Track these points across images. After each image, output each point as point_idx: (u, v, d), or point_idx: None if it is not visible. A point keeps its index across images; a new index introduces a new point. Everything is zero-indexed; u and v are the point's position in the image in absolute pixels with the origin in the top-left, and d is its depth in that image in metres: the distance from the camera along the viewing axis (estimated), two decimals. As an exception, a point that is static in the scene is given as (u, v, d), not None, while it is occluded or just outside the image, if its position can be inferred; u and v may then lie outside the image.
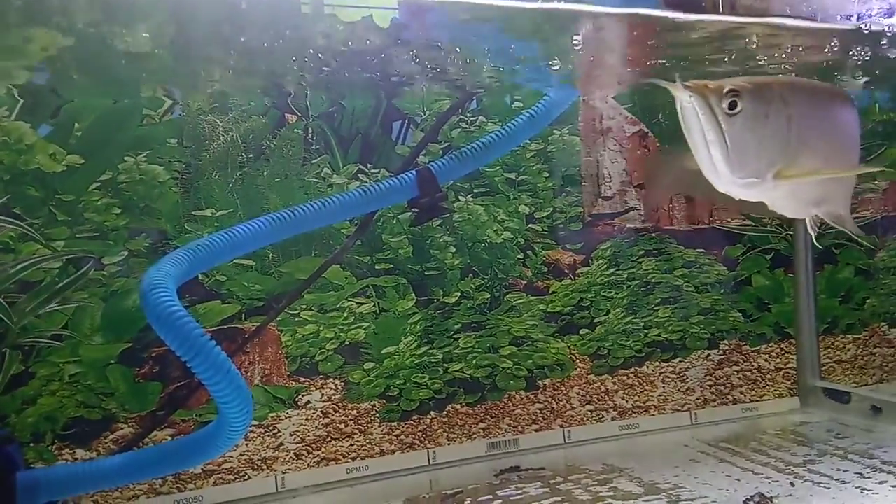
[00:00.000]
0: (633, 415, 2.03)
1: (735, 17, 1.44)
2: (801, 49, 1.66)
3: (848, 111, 1.39)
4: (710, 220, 2.15)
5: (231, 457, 1.67)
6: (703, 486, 1.54)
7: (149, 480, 1.59)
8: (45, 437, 1.54)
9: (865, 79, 1.86)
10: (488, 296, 1.91)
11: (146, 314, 1.11)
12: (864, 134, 2.20)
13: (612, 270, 2.03)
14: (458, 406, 1.87)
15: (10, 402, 1.52)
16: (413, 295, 1.84)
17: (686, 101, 1.17)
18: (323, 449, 1.75)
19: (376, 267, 1.82)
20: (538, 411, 1.94)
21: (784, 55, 1.65)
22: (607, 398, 2.01)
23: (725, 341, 2.14)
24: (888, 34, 1.55)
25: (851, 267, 2.29)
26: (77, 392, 1.57)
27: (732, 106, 1.16)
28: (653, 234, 2.07)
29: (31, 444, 1.53)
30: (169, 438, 1.62)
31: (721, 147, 1.17)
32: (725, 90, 1.17)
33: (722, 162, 1.19)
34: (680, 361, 2.09)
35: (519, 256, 1.94)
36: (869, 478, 1.52)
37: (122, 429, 1.60)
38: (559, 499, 1.53)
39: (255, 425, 1.69)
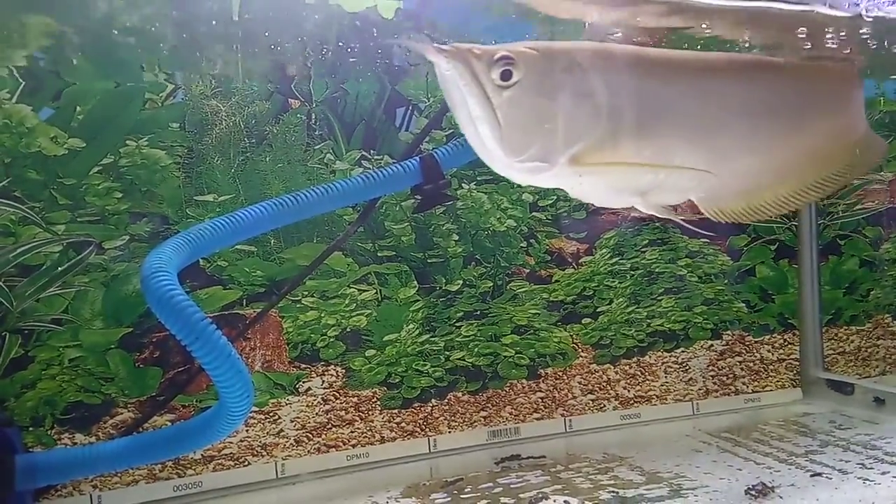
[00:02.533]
0: (635, 404, 2.02)
1: (738, 3, 1.36)
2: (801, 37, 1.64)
3: (720, 87, 1.19)
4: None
5: (231, 442, 1.67)
6: (704, 476, 1.54)
7: (148, 465, 1.59)
8: (44, 421, 1.54)
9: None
10: (491, 284, 1.90)
11: (147, 299, 1.10)
12: (871, 125, 2.22)
13: (615, 259, 2.02)
14: (460, 394, 1.87)
15: (10, 385, 1.51)
16: (415, 282, 1.84)
17: (445, 69, 1.00)
18: (323, 436, 1.74)
19: (378, 254, 1.81)
20: (539, 400, 1.93)
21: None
22: (609, 387, 2.00)
23: (728, 331, 2.13)
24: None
25: (856, 258, 2.28)
26: (77, 376, 1.56)
27: (506, 76, 1.00)
28: (657, 224, 2.06)
29: (31, 429, 1.53)
30: (169, 423, 1.62)
31: (491, 124, 1.01)
32: (496, 56, 1.01)
33: (493, 142, 1.02)
34: (683, 351, 2.08)
35: (522, 245, 1.93)
36: (871, 468, 1.52)
37: (121, 413, 1.59)
38: (560, 487, 1.52)
39: (255, 411, 1.69)
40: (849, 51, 1.42)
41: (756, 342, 2.16)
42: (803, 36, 1.43)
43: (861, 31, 1.51)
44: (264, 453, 1.69)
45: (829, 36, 1.44)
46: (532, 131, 1.02)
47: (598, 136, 1.05)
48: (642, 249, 2.05)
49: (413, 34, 0.99)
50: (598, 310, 2.00)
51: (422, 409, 1.83)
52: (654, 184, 1.14)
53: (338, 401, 1.76)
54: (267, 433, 1.70)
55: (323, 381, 1.75)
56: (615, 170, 1.09)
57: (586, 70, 1.05)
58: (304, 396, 1.74)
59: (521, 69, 1.00)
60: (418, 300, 1.84)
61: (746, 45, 1.43)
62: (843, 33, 1.47)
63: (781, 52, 1.45)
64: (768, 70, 1.28)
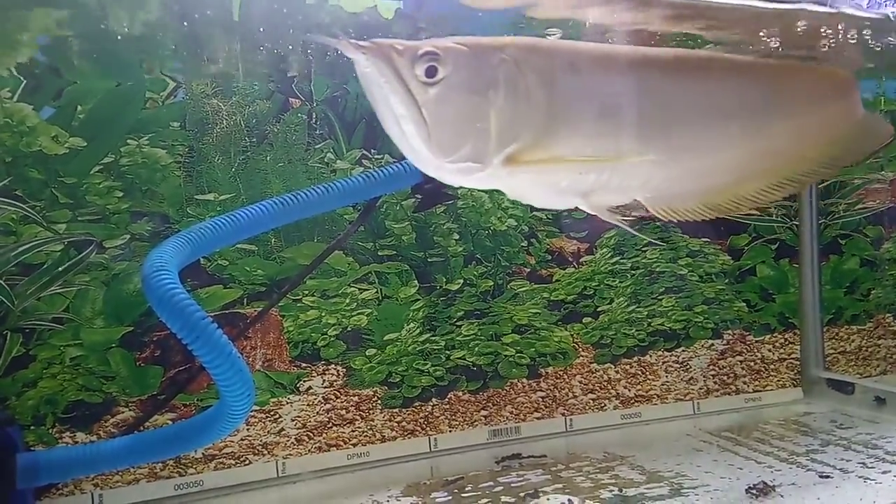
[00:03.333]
0: (636, 404, 2.02)
1: (747, 2, 1.34)
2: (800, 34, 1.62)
3: (669, 84, 1.15)
4: (715, 210, 2.13)
5: (232, 441, 1.67)
6: (705, 475, 1.54)
7: (149, 464, 1.59)
8: (45, 420, 1.54)
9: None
10: (491, 283, 1.90)
11: (148, 297, 1.10)
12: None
13: (616, 259, 2.03)
14: (460, 393, 1.87)
15: (11, 384, 1.51)
16: (416, 281, 1.84)
17: (364, 66, 0.95)
18: (324, 435, 1.74)
19: (379, 253, 1.81)
20: (540, 399, 1.93)
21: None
22: (610, 387, 2.00)
23: (729, 331, 2.13)
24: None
25: (857, 258, 2.28)
26: (78, 375, 1.56)
27: (431, 72, 0.96)
28: (657, 223, 2.06)
29: (32, 427, 1.53)
30: (170, 422, 1.62)
31: (417, 123, 0.96)
32: (420, 52, 0.96)
33: (420, 142, 0.98)
34: (683, 351, 2.08)
35: (523, 244, 1.93)
36: (872, 468, 1.52)
37: (122, 412, 1.59)
38: (560, 486, 1.52)
39: (256, 410, 1.69)
40: (826, 48, 1.39)
41: (757, 341, 2.16)
42: (766, 33, 1.41)
43: (844, 28, 1.49)
44: (265, 452, 1.69)
45: (800, 31, 1.41)
46: (462, 130, 0.98)
47: (535, 135, 1.01)
48: (643, 249, 2.05)
49: (332, 31, 0.97)
50: (599, 309, 2.00)
51: (422, 408, 1.83)
52: (599, 184, 1.11)
53: (338, 400, 1.76)
54: (268, 432, 1.70)
55: (324, 381, 1.76)
56: (554, 169, 1.05)
57: (521, 66, 1.00)
58: (305, 395, 1.74)
59: (447, 65, 0.96)
60: (419, 299, 1.84)
61: (707, 42, 1.41)
62: (828, 30, 1.45)
63: (742, 49, 1.42)
64: (725, 68, 1.23)
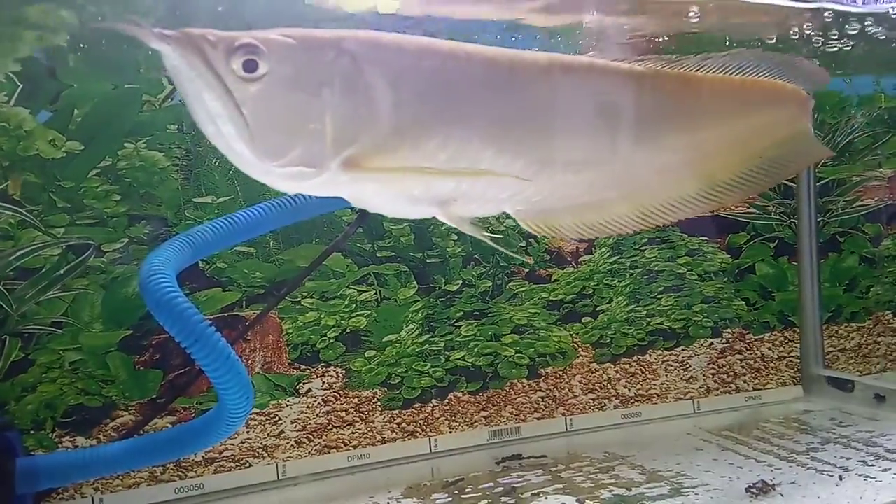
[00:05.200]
0: (636, 403, 2.02)
1: None
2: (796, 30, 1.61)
3: (539, 91, 1.05)
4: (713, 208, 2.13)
5: (232, 444, 1.66)
6: (705, 474, 1.54)
7: (149, 468, 1.59)
8: (45, 424, 1.54)
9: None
10: (490, 284, 1.90)
11: (145, 301, 1.10)
12: (870, 121, 2.22)
13: (614, 258, 2.02)
14: (460, 394, 1.87)
15: (10, 389, 1.51)
16: (415, 283, 1.84)
17: (175, 59, 0.86)
18: (324, 437, 1.74)
19: (378, 254, 1.81)
20: (540, 399, 1.93)
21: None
22: (609, 386, 2.00)
23: (729, 330, 2.13)
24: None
25: (856, 255, 2.28)
26: (77, 379, 1.56)
27: (250, 67, 0.87)
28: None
29: (31, 432, 1.52)
30: (169, 426, 1.61)
31: (237, 123, 0.88)
32: (237, 44, 0.88)
33: (241, 143, 0.89)
34: (683, 350, 2.08)
35: (521, 244, 1.93)
36: (872, 465, 1.52)
37: (122, 416, 1.59)
38: (561, 486, 1.52)
39: (256, 413, 1.69)
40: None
41: (756, 340, 2.16)
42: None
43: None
44: (265, 455, 1.69)
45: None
46: (291, 131, 0.90)
47: (378, 138, 0.93)
48: (641, 248, 2.05)
49: (132, 18, 0.85)
50: (598, 309, 2.00)
51: (422, 409, 1.83)
52: (457, 192, 1.02)
53: (338, 402, 1.76)
54: (268, 435, 1.70)
55: (323, 383, 1.75)
56: (402, 176, 0.97)
57: (360, 62, 0.92)
58: (305, 398, 1.74)
59: (269, 59, 0.88)
60: (418, 300, 1.84)
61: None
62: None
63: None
64: (609, 76, 1.12)
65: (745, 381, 2.13)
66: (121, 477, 1.58)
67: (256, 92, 0.87)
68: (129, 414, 1.60)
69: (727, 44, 1.81)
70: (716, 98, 1.17)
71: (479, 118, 1.01)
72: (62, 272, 1.55)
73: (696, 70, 1.17)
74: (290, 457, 1.71)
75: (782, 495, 1.40)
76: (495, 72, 1.03)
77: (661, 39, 1.73)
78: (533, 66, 1.06)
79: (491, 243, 1.13)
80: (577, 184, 1.09)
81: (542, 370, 1.94)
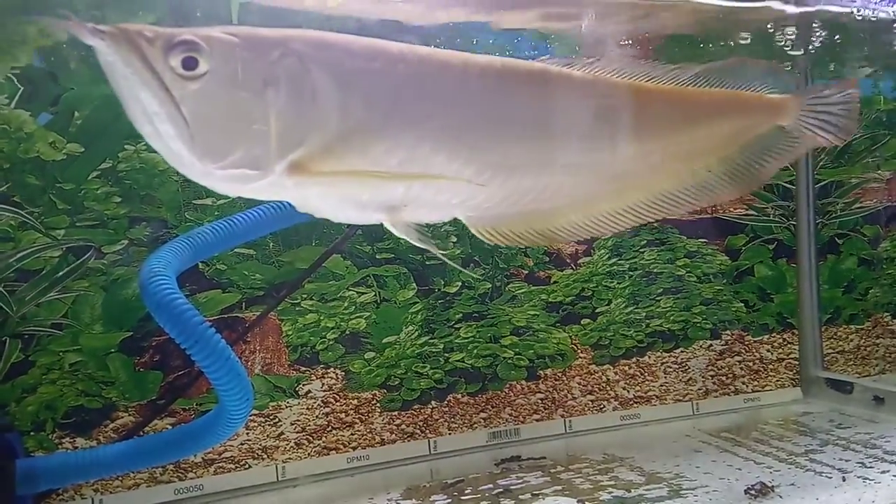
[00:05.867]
0: (635, 405, 2.02)
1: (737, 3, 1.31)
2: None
3: (491, 96, 1.03)
4: (712, 210, 2.14)
5: (231, 446, 1.67)
6: (704, 476, 1.54)
7: (149, 469, 1.59)
8: (45, 425, 1.54)
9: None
10: (489, 285, 1.91)
11: (145, 302, 1.10)
12: (868, 124, 2.23)
13: (614, 260, 2.03)
14: (459, 396, 1.87)
15: (10, 390, 1.52)
16: (414, 284, 1.84)
17: (109, 55, 0.83)
18: (323, 438, 1.74)
19: (377, 256, 1.81)
20: (539, 401, 1.93)
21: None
22: (608, 388, 2.00)
23: (728, 331, 2.13)
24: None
25: (854, 257, 2.28)
26: (77, 381, 1.56)
27: (189, 64, 0.84)
28: (655, 224, 2.07)
29: (32, 433, 1.53)
30: (169, 427, 1.62)
31: (176, 122, 0.85)
32: (176, 41, 0.84)
33: (180, 144, 0.86)
34: (682, 352, 2.08)
35: (520, 246, 1.93)
36: (871, 467, 1.52)
37: (122, 417, 1.59)
38: (560, 488, 1.52)
39: (255, 414, 1.69)
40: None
41: (755, 342, 2.16)
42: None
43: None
44: (265, 456, 1.70)
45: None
46: (233, 132, 0.87)
47: (325, 141, 0.90)
48: (640, 250, 2.05)
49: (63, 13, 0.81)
50: (597, 310, 2.01)
51: (422, 410, 1.83)
52: (407, 198, 1.00)
53: (338, 403, 1.76)
54: (267, 436, 1.70)
55: (323, 384, 1.76)
56: (350, 181, 0.94)
57: (307, 63, 0.89)
58: (304, 399, 1.74)
59: (210, 57, 0.85)
60: (417, 302, 1.84)
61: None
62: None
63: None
64: (560, 82, 1.10)
65: (744, 383, 2.13)
66: (120, 478, 1.58)
67: (196, 90, 0.84)
68: (129, 415, 1.60)
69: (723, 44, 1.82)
70: (667, 108, 1.16)
71: (431, 122, 0.99)
72: (62, 274, 1.56)
73: (661, 81, 1.16)
74: (289, 458, 1.71)
75: (781, 497, 1.40)
76: (448, 75, 1.01)
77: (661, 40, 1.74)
78: (487, 70, 1.05)
79: (441, 256, 1.13)
80: (528, 190, 1.08)
81: (541, 372, 1.94)
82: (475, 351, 1.88)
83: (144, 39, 0.83)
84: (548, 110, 1.08)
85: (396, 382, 1.82)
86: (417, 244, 1.05)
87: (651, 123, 1.15)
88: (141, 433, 1.57)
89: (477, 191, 1.04)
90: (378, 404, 1.80)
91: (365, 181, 0.95)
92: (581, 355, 1.99)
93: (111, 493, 1.57)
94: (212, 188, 0.94)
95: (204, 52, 0.85)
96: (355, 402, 1.78)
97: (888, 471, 1.49)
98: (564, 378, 1.96)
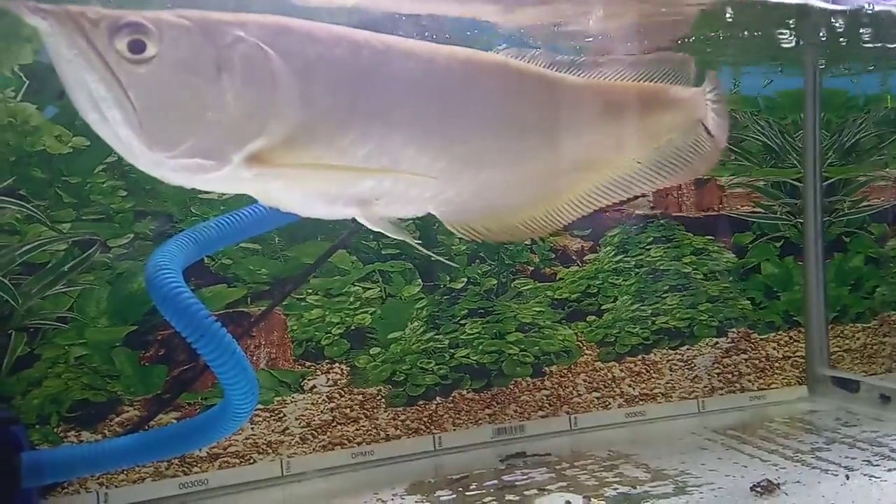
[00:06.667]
0: (640, 402, 2.02)
1: None
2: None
3: (459, 86, 1.00)
4: (719, 207, 2.13)
5: (236, 440, 1.67)
6: (709, 473, 1.54)
7: (154, 463, 1.59)
8: (50, 419, 1.54)
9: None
10: (495, 281, 1.90)
11: (151, 296, 1.10)
12: (876, 121, 2.22)
13: (619, 257, 2.02)
14: (465, 392, 1.86)
15: (16, 383, 1.52)
16: (419, 280, 1.84)
17: (52, 36, 0.78)
18: (328, 433, 1.74)
19: (383, 252, 1.81)
20: (544, 398, 1.93)
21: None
22: (614, 385, 2.00)
23: (734, 329, 2.13)
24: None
25: (861, 255, 2.28)
26: (82, 374, 1.56)
27: (137, 47, 0.79)
28: (661, 221, 2.06)
29: (37, 426, 1.53)
30: (174, 421, 1.62)
31: (123, 108, 0.80)
32: (122, 22, 0.79)
33: (128, 131, 0.81)
34: (688, 349, 2.08)
35: (526, 242, 1.93)
36: (877, 465, 1.52)
37: (127, 411, 1.59)
38: (565, 484, 1.52)
39: (260, 409, 1.69)
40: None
41: (761, 340, 2.16)
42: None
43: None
44: (270, 451, 1.70)
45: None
46: (185, 120, 0.82)
47: (288, 131, 0.86)
48: (647, 247, 2.04)
49: None
50: (603, 307, 2.00)
51: (427, 406, 1.83)
52: (378, 192, 0.96)
53: (343, 398, 1.76)
54: (272, 431, 1.70)
55: (328, 379, 1.76)
56: (315, 174, 0.90)
57: (266, 49, 0.85)
58: (310, 394, 1.74)
59: (159, 40, 0.80)
60: (423, 298, 1.84)
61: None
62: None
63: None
64: (521, 76, 1.08)
65: (749, 381, 2.13)
66: (125, 472, 1.58)
67: (144, 74, 0.80)
68: (135, 409, 1.60)
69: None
70: (614, 101, 1.15)
71: (399, 112, 0.95)
72: (68, 267, 1.56)
73: (595, 76, 1.15)
74: (294, 453, 1.71)
75: (787, 494, 1.40)
76: (414, 64, 0.97)
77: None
78: (451, 60, 1.01)
79: (417, 246, 1.09)
80: (496, 185, 1.05)
81: (546, 368, 1.94)
82: (480, 347, 1.88)
83: (88, 21, 0.78)
84: (506, 103, 1.06)
85: (401, 378, 1.81)
86: (393, 235, 1.01)
87: (596, 116, 1.14)
88: (146, 427, 1.57)
89: (449, 185, 1.01)
90: (383, 400, 1.80)
91: (330, 174, 0.91)
92: (586, 352, 1.98)
93: (116, 486, 1.57)
94: (163, 179, 0.89)
95: (152, 35, 0.80)
96: (360, 397, 1.78)
97: (894, 469, 1.49)
98: (570, 375, 1.96)
